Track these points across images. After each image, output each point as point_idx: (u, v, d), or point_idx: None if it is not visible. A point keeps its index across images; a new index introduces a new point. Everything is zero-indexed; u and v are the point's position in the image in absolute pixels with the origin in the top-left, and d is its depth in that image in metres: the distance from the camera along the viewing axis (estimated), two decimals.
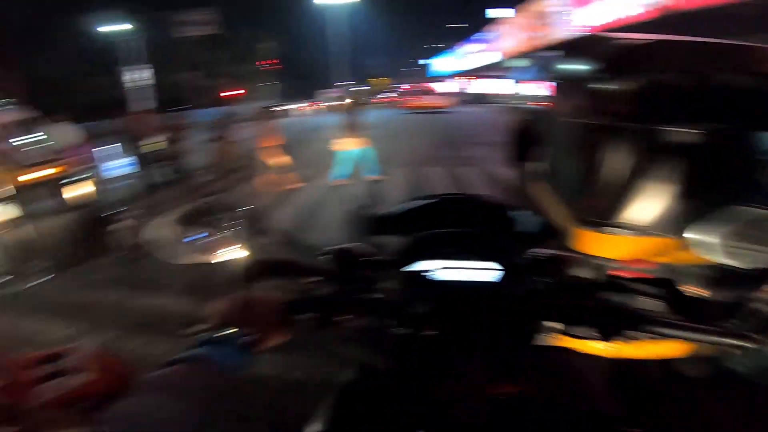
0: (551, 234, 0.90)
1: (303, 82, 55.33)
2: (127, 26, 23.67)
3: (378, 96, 49.27)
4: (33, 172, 3.54)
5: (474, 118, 22.32)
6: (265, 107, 7.28)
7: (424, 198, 0.90)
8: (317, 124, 21.27)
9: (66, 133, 8.19)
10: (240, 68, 37.05)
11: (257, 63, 37.79)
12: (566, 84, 2.03)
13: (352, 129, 6.96)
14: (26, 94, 9.75)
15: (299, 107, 35.53)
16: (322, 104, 36.03)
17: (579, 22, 19.81)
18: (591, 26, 19.39)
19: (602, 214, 1.77)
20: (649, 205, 1.74)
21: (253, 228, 0.73)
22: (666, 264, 1.76)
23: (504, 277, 0.72)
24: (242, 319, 0.61)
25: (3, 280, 3.43)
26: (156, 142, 8.20)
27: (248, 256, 0.74)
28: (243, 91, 35.72)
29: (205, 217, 0.72)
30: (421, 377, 0.67)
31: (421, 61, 71.04)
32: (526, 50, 29.24)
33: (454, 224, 0.80)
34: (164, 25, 27.26)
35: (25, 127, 3.76)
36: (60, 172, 3.74)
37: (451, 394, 0.57)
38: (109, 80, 25.97)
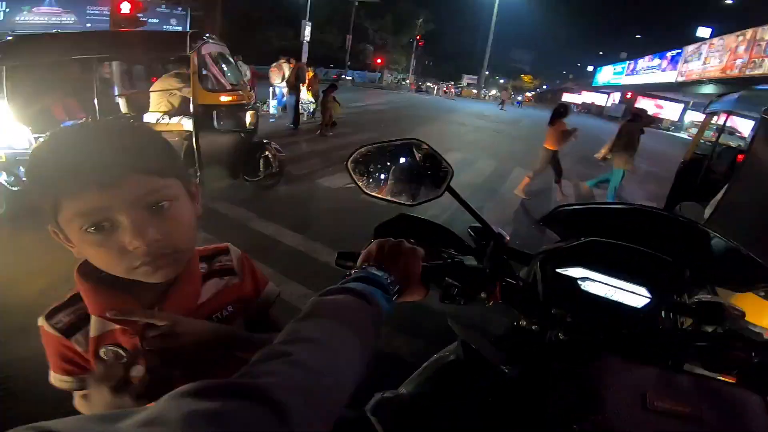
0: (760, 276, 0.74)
1: (441, 63, 53.77)
2: None
3: (525, 95, 46.56)
4: (228, 95, 4.21)
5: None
6: (563, 104, 5.68)
7: (620, 204, 0.81)
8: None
9: (244, 69, 9.57)
10: (388, 39, 38.11)
11: (404, 37, 38.47)
12: None
13: (627, 146, 5.25)
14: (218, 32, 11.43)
15: (444, 89, 35.67)
16: (454, 90, 35.89)
17: None
18: None
19: None
20: None
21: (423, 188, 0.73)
22: None
23: (656, 308, 0.67)
24: (392, 265, 0.60)
25: None
26: (304, 91, 9.04)
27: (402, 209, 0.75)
28: (381, 61, 36.87)
29: (375, 161, 0.74)
30: (543, 379, 0.63)
31: (590, 67, 64.07)
32: (719, 77, 24.35)
33: (638, 239, 0.72)
34: None
35: (221, 59, 4.44)
36: (244, 99, 4.38)
37: (602, 403, 0.52)
38: (276, 31, 29.00)
